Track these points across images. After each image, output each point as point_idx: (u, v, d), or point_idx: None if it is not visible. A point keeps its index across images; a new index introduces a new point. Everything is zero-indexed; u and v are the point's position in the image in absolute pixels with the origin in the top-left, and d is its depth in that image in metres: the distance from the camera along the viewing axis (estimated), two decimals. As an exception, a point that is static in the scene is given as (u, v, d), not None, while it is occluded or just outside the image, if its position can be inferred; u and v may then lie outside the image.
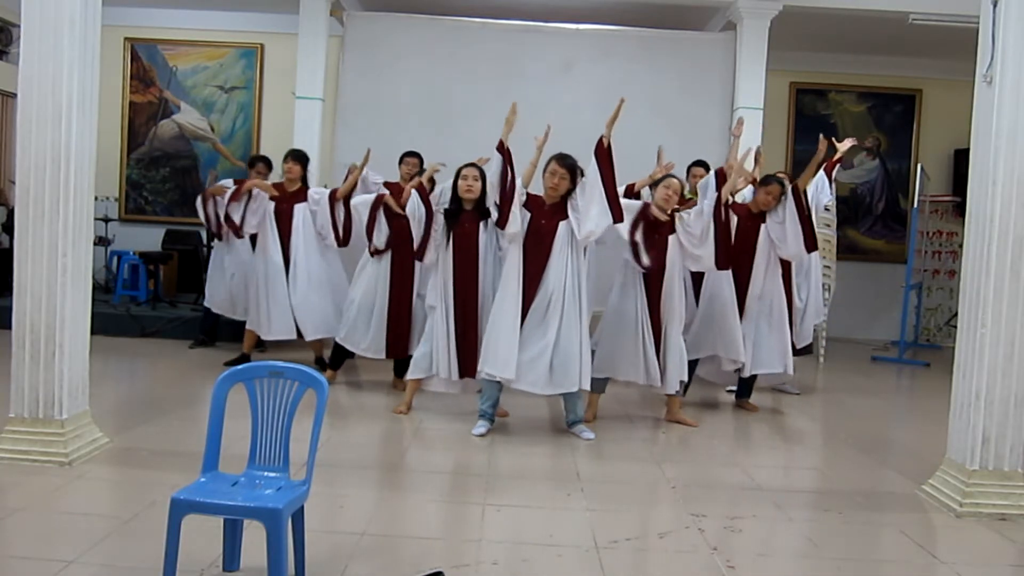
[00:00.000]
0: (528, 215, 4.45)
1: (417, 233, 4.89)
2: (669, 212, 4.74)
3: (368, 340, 5.29)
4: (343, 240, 5.65)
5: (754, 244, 5.14)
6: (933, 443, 4.27)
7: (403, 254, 5.21)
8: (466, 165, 4.81)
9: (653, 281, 4.72)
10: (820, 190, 5.84)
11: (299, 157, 5.84)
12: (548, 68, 7.51)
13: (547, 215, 4.46)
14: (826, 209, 7.86)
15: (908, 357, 8.03)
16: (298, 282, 5.69)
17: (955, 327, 3.98)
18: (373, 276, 5.31)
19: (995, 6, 3.50)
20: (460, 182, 4.71)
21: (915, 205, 8.03)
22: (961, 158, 8.64)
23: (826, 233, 7.81)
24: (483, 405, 4.58)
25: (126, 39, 8.77)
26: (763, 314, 5.18)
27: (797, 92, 9.21)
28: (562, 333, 4.36)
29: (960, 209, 8.54)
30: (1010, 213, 3.46)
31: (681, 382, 4.88)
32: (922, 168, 8.24)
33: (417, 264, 5.18)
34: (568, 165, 4.43)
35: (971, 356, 3.57)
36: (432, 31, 7.49)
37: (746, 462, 4.40)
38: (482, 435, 4.45)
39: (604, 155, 4.39)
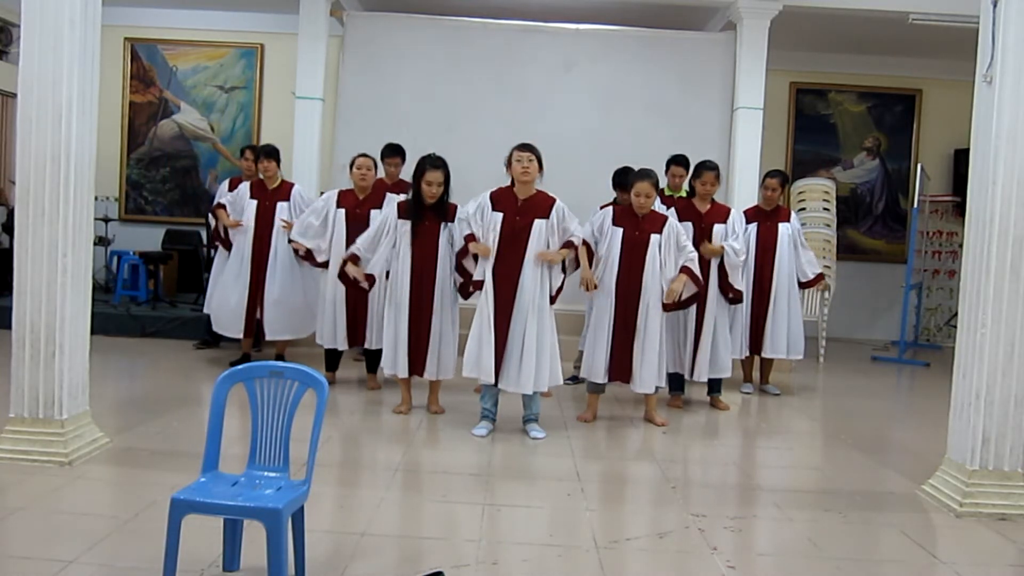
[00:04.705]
0: (500, 215, 4.43)
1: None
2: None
3: (333, 332, 5.36)
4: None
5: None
6: (933, 443, 4.27)
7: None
8: (429, 168, 4.60)
9: (629, 284, 4.74)
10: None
11: (272, 153, 5.82)
12: (548, 68, 7.52)
13: (522, 212, 4.44)
14: (825, 209, 7.90)
15: (908, 357, 8.03)
16: (276, 281, 5.75)
17: (955, 327, 3.98)
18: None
19: (995, 6, 3.50)
20: (424, 187, 4.61)
21: (915, 205, 8.03)
22: (961, 158, 8.64)
23: (826, 233, 7.83)
24: (484, 405, 4.58)
25: (126, 39, 8.78)
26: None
27: (797, 92, 9.21)
28: (535, 333, 4.40)
29: (960, 209, 8.54)
30: (1010, 213, 3.46)
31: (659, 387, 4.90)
32: (922, 168, 8.24)
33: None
34: (532, 149, 4.43)
35: (971, 356, 3.57)
36: (432, 31, 7.49)
37: (746, 462, 4.40)
38: (483, 436, 4.46)
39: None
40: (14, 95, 5.90)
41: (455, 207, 4.72)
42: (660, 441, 4.62)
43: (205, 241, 7.31)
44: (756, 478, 4.07)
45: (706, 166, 5.26)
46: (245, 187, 5.87)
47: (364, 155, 5.44)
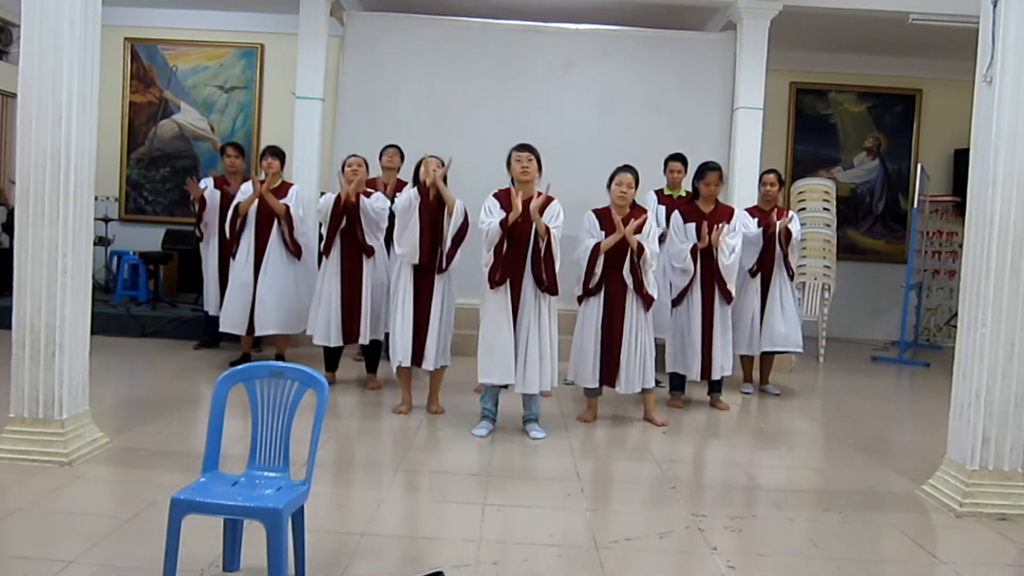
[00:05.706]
0: (504, 215, 4.43)
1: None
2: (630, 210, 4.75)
3: (327, 329, 5.34)
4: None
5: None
6: (933, 443, 4.27)
7: (352, 241, 5.31)
8: (427, 156, 4.71)
9: (613, 285, 4.73)
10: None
11: (278, 153, 5.93)
12: (548, 68, 7.52)
13: (523, 213, 4.42)
14: (824, 209, 7.89)
15: (908, 357, 8.02)
16: (268, 277, 5.75)
17: (955, 327, 3.98)
18: (332, 267, 5.35)
19: (995, 6, 3.50)
20: (423, 169, 4.65)
21: (915, 205, 8.02)
22: (961, 158, 8.64)
23: (826, 233, 7.83)
24: (485, 405, 4.58)
25: (126, 39, 8.77)
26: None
27: (797, 92, 9.21)
28: (537, 333, 4.41)
29: (960, 209, 8.54)
30: (1010, 213, 3.46)
31: (659, 382, 4.89)
32: (922, 168, 8.24)
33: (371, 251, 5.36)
34: (531, 149, 4.44)
35: (971, 356, 3.57)
36: (432, 31, 7.49)
37: (746, 462, 4.40)
38: (483, 436, 4.46)
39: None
40: (14, 95, 5.90)
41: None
42: (660, 441, 4.62)
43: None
44: (756, 478, 4.07)
45: (709, 167, 5.22)
46: (247, 187, 5.87)
47: (354, 155, 5.49)
